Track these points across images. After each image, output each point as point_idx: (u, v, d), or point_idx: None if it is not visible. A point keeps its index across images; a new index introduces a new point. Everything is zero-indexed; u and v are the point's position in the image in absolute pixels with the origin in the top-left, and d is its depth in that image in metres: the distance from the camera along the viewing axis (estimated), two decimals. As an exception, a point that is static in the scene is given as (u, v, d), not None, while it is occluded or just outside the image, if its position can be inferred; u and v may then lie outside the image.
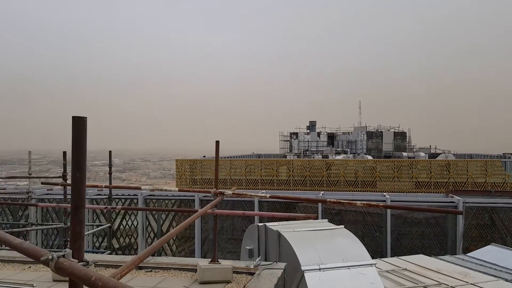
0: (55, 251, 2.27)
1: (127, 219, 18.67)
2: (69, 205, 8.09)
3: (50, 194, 17.35)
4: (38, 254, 2.29)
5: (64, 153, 10.04)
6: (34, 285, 6.94)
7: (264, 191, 17.81)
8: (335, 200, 5.40)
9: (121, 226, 18.71)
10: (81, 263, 2.22)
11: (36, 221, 14.37)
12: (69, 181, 9.62)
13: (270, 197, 6.82)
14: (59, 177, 10.17)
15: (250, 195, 5.84)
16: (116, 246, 18.16)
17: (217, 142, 6.79)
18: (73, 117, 2.30)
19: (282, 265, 6.99)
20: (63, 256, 2.23)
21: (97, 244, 17.99)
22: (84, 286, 2.30)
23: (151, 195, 17.94)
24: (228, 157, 31.95)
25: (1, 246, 10.64)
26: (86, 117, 2.32)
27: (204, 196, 16.74)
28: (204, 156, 33.64)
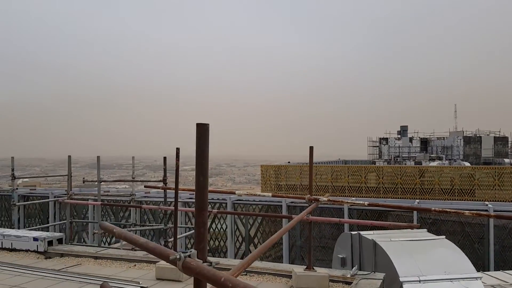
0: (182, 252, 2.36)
1: (216, 222, 19.25)
2: (171, 207, 8.49)
3: (147, 196, 18.47)
4: (165, 253, 2.40)
5: (165, 158, 10.62)
6: (140, 283, 7.40)
7: (353, 198, 17.39)
8: (440, 209, 5.08)
9: (211, 229, 19.33)
10: (206, 263, 2.30)
11: (135, 222, 15.35)
12: (169, 185, 10.16)
13: (369, 204, 6.61)
14: (160, 181, 10.81)
15: (347, 202, 5.69)
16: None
17: (311, 148, 6.76)
18: (197, 124, 2.39)
19: (380, 275, 6.75)
20: (189, 256, 2.32)
21: (189, 246, 18.77)
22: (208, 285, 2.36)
23: (239, 200, 18.35)
24: (313, 163, 31.65)
25: (120, 242, 11.45)
26: (208, 124, 2.40)
27: (291, 202, 16.75)
28: (288, 162, 33.70)
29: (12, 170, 11.38)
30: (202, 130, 2.33)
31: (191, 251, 2.35)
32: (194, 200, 16.62)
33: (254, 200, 18.03)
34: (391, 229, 9.44)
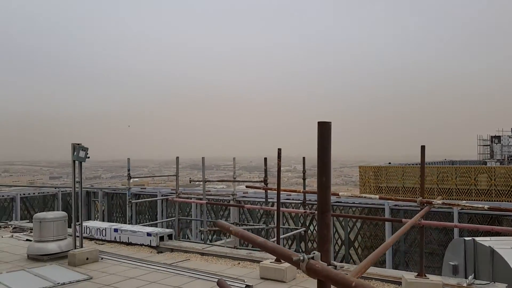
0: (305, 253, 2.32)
1: (314, 224, 19.09)
2: (273, 208, 8.60)
3: (245, 196, 18.91)
4: (286, 254, 2.38)
5: (265, 159, 10.79)
6: (245, 281, 7.56)
7: (464, 201, 16.09)
8: None
9: (309, 231, 19.21)
10: (330, 266, 2.23)
11: (236, 221, 15.82)
12: (270, 185, 10.30)
13: (489, 208, 6.05)
14: (260, 181, 11.01)
15: (463, 205, 5.26)
16: (303, 249, 18.73)
17: (423, 148, 6.36)
18: (319, 122, 2.34)
19: (501, 286, 6.15)
20: (312, 258, 2.27)
21: (286, 247, 18.84)
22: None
23: (338, 202, 17.97)
24: (416, 164, 30.12)
25: (224, 240, 11.87)
26: (330, 122, 2.34)
27: (395, 205, 16.00)
28: (389, 163, 32.35)
29: (128, 170, 12.37)
30: (324, 129, 2.27)
31: (314, 253, 2.30)
32: (291, 201, 16.57)
33: (353, 202, 17.55)
34: (508, 236, 8.59)
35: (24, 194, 18.87)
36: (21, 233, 12.61)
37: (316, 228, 19.05)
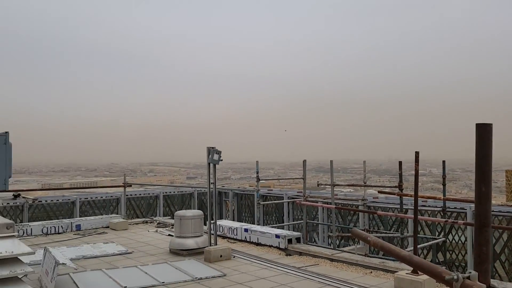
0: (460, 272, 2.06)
1: (453, 233, 17.55)
2: (407, 215, 8.06)
3: (375, 201, 18.13)
4: (436, 271, 2.14)
5: (400, 163, 10.22)
6: (379, 291, 7.20)
7: None
8: None
9: (447, 240, 17.72)
10: (491, 290, 1.93)
11: (367, 228, 15.22)
12: (404, 191, 9.71)
13: None
14: (395, 186, 10.44)
15: None
16: (441, 260, 17.36)
17: None
18: (477, 125, 2.06)
19: None
20: (468, 278, 2.00)
21: (421, 257, 17.56)
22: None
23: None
24: None
25: (354, 246, 11.54)
26: (491, 124, 2.04)
27: (552, 216, 13.92)
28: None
29: (257, 173, 12.76)
30: (483, 132, 1.98)
31: (470, 273, 2.03)
32: (428, 208, 15.39)
33: (500, 211, 15.71)
34: None
35: (165, 192, 20.69)
36: (164, 229, 13.83)
37: (454, 237, 17.47)
